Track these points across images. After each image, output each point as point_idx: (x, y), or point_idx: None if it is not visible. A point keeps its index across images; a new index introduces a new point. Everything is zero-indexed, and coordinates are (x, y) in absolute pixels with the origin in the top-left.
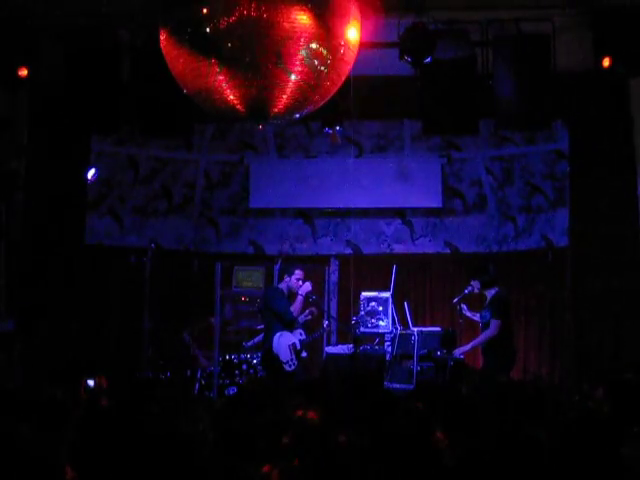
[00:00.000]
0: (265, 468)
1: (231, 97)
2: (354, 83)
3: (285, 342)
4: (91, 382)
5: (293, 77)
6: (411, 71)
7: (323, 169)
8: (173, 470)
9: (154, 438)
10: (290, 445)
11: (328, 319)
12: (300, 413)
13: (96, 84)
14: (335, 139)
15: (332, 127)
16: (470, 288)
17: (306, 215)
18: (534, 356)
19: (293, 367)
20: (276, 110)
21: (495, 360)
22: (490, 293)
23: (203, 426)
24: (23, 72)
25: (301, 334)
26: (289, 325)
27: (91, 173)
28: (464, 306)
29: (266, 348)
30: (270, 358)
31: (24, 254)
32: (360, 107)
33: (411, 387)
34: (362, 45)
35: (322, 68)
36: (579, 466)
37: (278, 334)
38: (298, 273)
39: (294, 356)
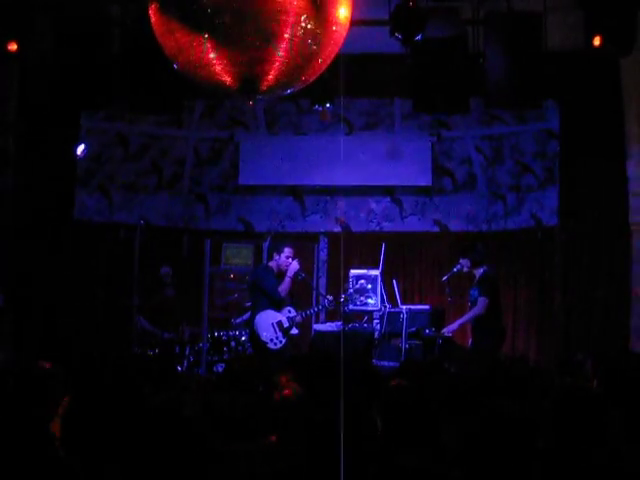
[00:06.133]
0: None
1: (222, 73)
2: (344, 60)
3: (268, 320)
4: None
5: (284, 53)
6: (402, 49)
7: (313, 146)
8: (159, 447)
9: (140, 414)
10: (275, 422)
11: (317, 296)
12: (286, 392)
13: (86, 60)
14: (325, 116)
15: (322, 104)
16: (459, 266)
17: (296, 192)
18: (523, 334)
19: (279, 345)
20: (266, 86)
21: (484, 338)
22: (479, 272)
23: (190, 403)
24: (13, 47)
25: (290, 311)
26: (277, 304)
27: (80, 149)
28: (447, 290)
29: (251, 326)
30: (254, 336)
31: (13, 230)
32: (350, 85)
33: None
34: (353, 22)
35: (313, 45)
36: (567, 442)
37: (260, 313)
38: (287, 251)
39: (280, 334)
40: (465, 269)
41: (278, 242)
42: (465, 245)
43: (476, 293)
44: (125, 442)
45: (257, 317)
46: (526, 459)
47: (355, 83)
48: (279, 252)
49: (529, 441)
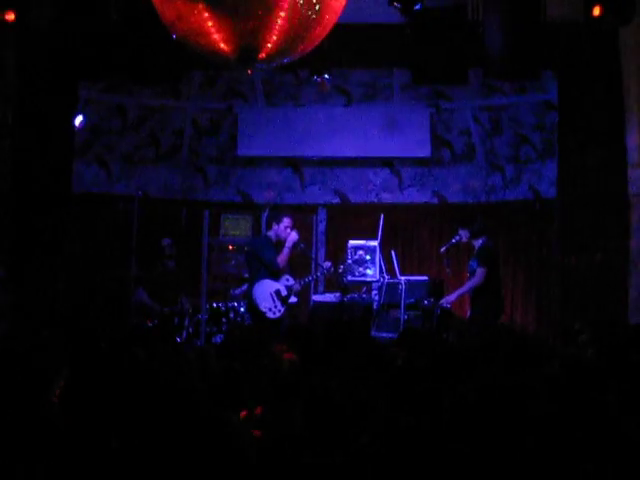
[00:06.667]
0: (243, 413)
1: (220, 41)
2: (343, 31)
3: (266, 290)
4: None
5: (283, 22)
6: (401, 19)
7: (312, 118)
8: (160, 416)
9: (140, 384)
10: (273, 389)
11: (316, 267)
12: (283, 356)
13: (84, 30)
14: (324, 87)
15: (321, 75)
16: (458, 237)
17: (294, 164)
18: (521, 305)
19: (278, 314)
20: (264, 54)
21: (482, 309)
22: (478, 243)
23: (189, 372)
24: (10, 16)
25: (287, 280)
26: (275, 274)
27: (79, 120)
28: (446, 261)
29: (249, 296)
30: (252, 307)
31: (12, 201)
32: (349, 55)
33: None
34: None
35: (311, 13)
36: (566, 411)
37: (258, 282)
38: (286, 221)
39: (279, 302)
40: (464, 239)
41: (277, 212)
42: (464, 216)
43: (475, 264)
44: (124, 410)
45: (255, 287)
46: (523, 427)
47: (354, 54)
48: (278, 222)
49: (526, 409)
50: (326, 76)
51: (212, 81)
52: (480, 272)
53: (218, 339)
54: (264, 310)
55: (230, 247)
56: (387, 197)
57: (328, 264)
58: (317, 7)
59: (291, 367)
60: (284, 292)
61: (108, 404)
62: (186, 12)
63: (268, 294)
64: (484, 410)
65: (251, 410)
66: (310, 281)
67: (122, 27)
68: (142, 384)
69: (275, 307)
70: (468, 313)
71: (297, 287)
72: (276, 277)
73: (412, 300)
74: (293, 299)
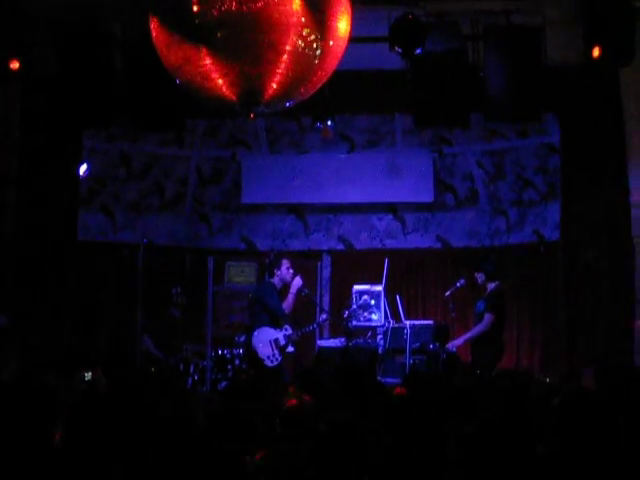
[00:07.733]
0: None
1: (222, 86)
2: (344, 77)
3: (265, 338)
4: (88, 374)
5: (285, 65)
6: (402, 65)
7: (315, 165)
8: (166, 455)
9: (148, 424)
10: (281, 430)
11: (321, 313)
12: (294, 402)
13: (88, 79)
14: (326, 134)
15: (323, 122)
16: (463, 281)
17: (298, 211)
18: (526, 349)
19: (275, 362)
20: (267, 98)
21: (483, 353)
22: (490, 286)
23: (196, 413)
24: (15, 65)
25: (287, 329)
26: (278, 321)
27: (83, 169)
28: (451, 305)
29: (248, 342)
30: (249, 354)
31: (16, 250)
32: (351, 101)
33: None
34: (353, 39)
35: (312, 56)
36: (573, 449)
37: (258, 329)
38: (285, 262)
39: (277, 351)
40: (479, 282)
41: (276, 259)
42: (481, 258)
43: (482, 307)
44: (128, 452)
45: (255, 333)
46: (525, 465)
47: (355, 100)
48: (278, 267)
49: (527, 447)
50: (329, 122)
51: (215, 130)
52: (488, 318)
53: (223, 385)
54: (263, 358)
55: (239, 294)
56: (391, 242)
57: (324, 317)
58: (318, 51)
59: (306, 408)
60: (282, 341)
61: (112, 448)
62: (193, 56)
63: (267, 342)
64: (486, 443)
65: (265, 450)
66: (309, 331)
67: (126, 76)
68: (149, 426)
69: (273, 355)
70: (470, 356)
71: (295, 337)
72: (277, 325)
73: (417, 345)
74: (290, 349)
